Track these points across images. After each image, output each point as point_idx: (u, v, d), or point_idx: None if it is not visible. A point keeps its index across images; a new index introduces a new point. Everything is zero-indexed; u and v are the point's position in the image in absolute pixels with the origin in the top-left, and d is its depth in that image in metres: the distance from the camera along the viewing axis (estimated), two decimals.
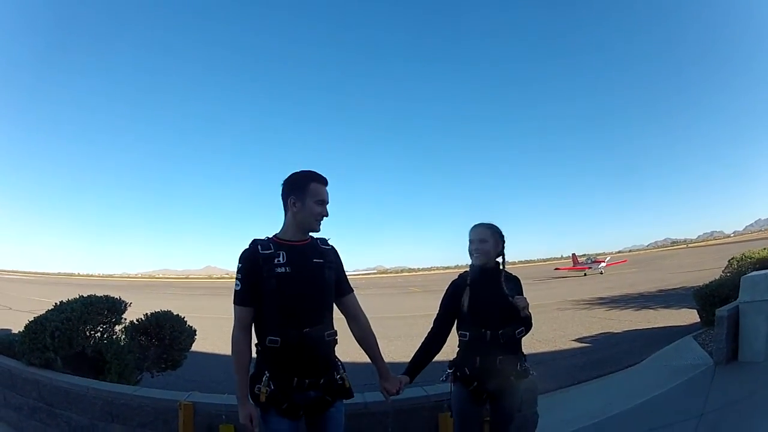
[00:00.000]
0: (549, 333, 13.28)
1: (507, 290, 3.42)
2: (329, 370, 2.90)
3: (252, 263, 2.80)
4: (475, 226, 3.58)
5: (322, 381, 2.84)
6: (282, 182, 3.01)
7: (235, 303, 2.85)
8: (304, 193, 2.91)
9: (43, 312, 5.84)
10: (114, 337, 6.18)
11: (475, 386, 3.38)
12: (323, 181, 2.97)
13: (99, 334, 6.07)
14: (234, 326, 2.85)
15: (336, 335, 2.93)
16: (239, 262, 2.84)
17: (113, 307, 6.28)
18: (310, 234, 3.02)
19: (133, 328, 6.57)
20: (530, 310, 3.45)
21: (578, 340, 12.17)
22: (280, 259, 2.80)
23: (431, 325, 3.57)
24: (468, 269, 3.58)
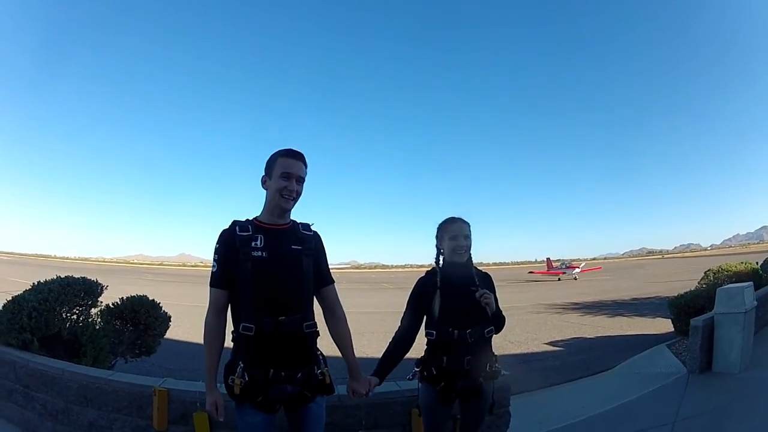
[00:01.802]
0: (521, 335, 13.35)
1: (480, 288, 3.28)
2: (308, 363, 2.81)
3: (229, 245, 2.73)
4: (455, 220, 3.44)
5: (299, 375, 2.75)
6: None
7: (210, 285, 2.77)
8: (272, 169, 2.82)
9: (20, 292, 5.77)
10: (90, 320, 6.13)
11: (442, 386, 3.29)
12: (292, 155, 2.83)
13: (75, 316, 6.03)
14: (208, 309, 2.77)
15: (316, 327, 2.84)
16: (217, 243, 2.77)
17: (90, 289, 6.23)
18: (293, 219, 2.94)
19: (109, 312, 6.54)
20: (503, 312, 3.39)
21: (550, 343, 12.25)
22: (258, 242, 2.72)
23: (399, 324, 3.43)
24: (434, 266, 3.46)
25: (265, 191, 2.89)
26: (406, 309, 3.44)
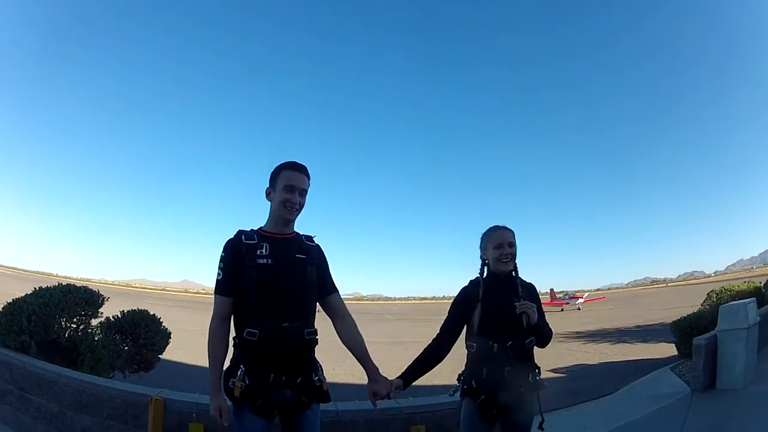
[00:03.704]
0: None
1: (523, 298, 3.18)
2: (307, 370, 2.83)
3: (234, 252, 2.77)
4: (499, 228, 3.34)
5: (299, 380, 2.77)
6: None
7: (215, 292, 2.79)
8: (275, 181, 2.90)
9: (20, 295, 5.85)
10: (90, 330, 6.17)
11: (482, 399, 3.16)
12: (295, 168, 2.91)
13: (75, 324, 6.08)
14: (212, 316, 2.79)
15: (316, 335, 2.86)
16: (222, 251, 2.81)
17: (91, 299, 6.31)
18: (296, 230, 2.99)
19: (109, 325, 6.58)
20: (549, 326, 3.32)
21: (552, 370, 12.12)
22: (263, 250, 2.77)
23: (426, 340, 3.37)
24: (478, 277, 3.36)
25: (269, 202, 2.95)
26: (446, 317, 3.35)
